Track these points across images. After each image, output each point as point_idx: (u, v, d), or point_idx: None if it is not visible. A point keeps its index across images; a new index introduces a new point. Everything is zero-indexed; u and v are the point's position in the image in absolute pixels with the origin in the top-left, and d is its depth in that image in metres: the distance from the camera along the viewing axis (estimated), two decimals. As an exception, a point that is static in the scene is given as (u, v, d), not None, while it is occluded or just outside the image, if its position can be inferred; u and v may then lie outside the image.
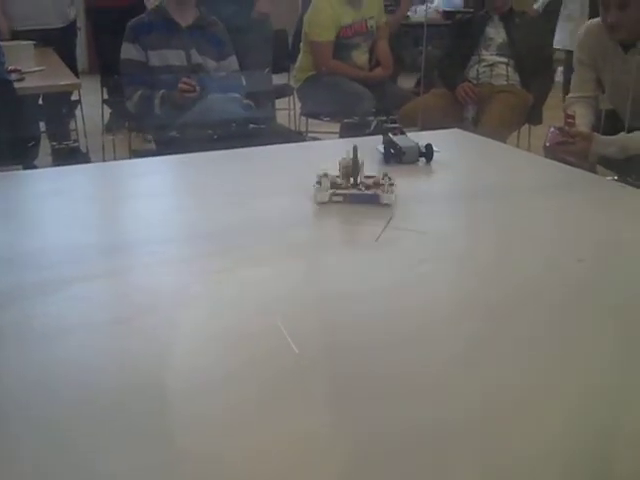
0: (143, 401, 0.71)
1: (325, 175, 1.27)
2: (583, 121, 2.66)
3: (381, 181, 1.28)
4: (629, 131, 2.55)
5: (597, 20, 2.67)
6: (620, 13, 2.48)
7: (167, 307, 0.91)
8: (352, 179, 1.27)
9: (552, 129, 2.55)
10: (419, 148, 1.51)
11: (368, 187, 1.27)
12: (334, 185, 1.27)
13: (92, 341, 0.82)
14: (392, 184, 1.28)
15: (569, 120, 2.55)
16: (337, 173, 1.28)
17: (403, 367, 0.78)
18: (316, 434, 0.67)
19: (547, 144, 2.53)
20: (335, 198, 1.26)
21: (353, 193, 1.26)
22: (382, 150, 1.51)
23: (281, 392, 0.73)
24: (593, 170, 2.52)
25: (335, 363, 0.79)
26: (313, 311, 0.92)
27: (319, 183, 1.26)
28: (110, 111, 4.36)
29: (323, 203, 1.25)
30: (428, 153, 1.51)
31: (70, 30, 4.39)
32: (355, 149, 1.26)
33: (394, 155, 1.49)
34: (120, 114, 3.84)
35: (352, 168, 1.27)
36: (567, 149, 2.47)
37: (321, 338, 0.85)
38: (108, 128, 4.24)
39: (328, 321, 0.89)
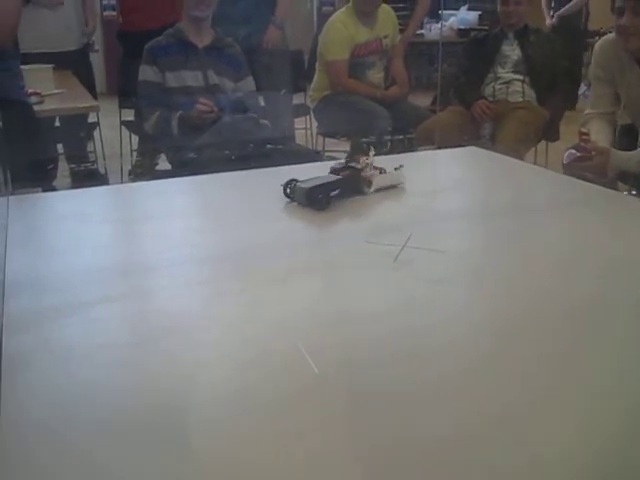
0: (163, 422, 0.71)
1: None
2: (600, 137, 2.64)
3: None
4: None
5: (612, 35, 2.65)
6: (635, 18, 2.44)
7: (186, 329, 0.91)
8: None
9: (569, 149, 2.55)
10: (308, 193, 1.36)
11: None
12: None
13: (112, 363, 0.83)
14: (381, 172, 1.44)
15: (584, 137, 2.55)
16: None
17: (420, 384, 0.77)
18: (334, 451, 0.67)
19: (564, 162, 2.53)
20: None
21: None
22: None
23: (301, 410, 0.73)
24: (614, 186, 2.52)
25: (353, 380, 0.79)
26: (331, 330, 0.92)
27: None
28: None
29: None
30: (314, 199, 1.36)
31: (83, 53, 4.42)
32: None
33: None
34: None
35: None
36: (585, 165, 2.46)
37: (339, 356, 0.85)
38: (140, 153, 4.21)
39: (346, 340, 0.89)
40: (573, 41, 4.74)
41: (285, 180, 1.40)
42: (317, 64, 4.14)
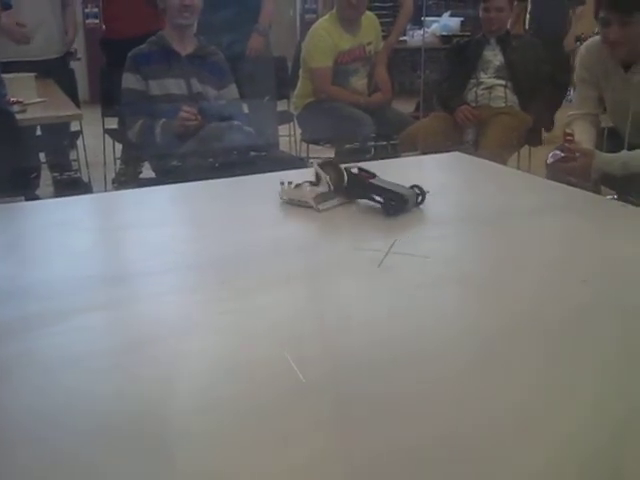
0: (146, 430, 0.71)
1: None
2: (584, 137, 2.66)
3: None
4: (630, 149, 2.56)
5: (598, 38, 2.67)
6: (621, 30, 2.47)
7: (170, 336, 0.91)
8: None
9: (554, 150, 2.57)
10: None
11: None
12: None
13: (96, 371, 0.82)
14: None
15: (568, 138, 2.56)
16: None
17: (406, 389, 0.78)
18: (320, 458, 0.67)
19: (548, 162, 2.55)
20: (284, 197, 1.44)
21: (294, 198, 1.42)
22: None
23: (287, 417, 0.73)
24: (597, 189, 2.53)
25: (339, 387, 0.79)
26: (317, 338, 0.92)
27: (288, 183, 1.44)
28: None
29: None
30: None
31: (64, 61, 4.40)
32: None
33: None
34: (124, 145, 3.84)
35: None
36: (569, 166, 2.47)
37: (325, 363, 0.85)
38: (123, 161, 4.19)
39: (332, 347, 0.89)
40: (557, 46, 4.76)
41: (270, 186, 1.40)
42: (300, 71, 4.15)
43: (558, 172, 2.48)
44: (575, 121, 2.78)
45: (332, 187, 1.40)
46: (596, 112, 2.81)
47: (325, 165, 1.44)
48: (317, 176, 1.43)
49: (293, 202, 1.42)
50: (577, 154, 2.48)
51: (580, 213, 1.40)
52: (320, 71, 4.01)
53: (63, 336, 0.90)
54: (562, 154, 2.50)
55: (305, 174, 1.47)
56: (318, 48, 4.02)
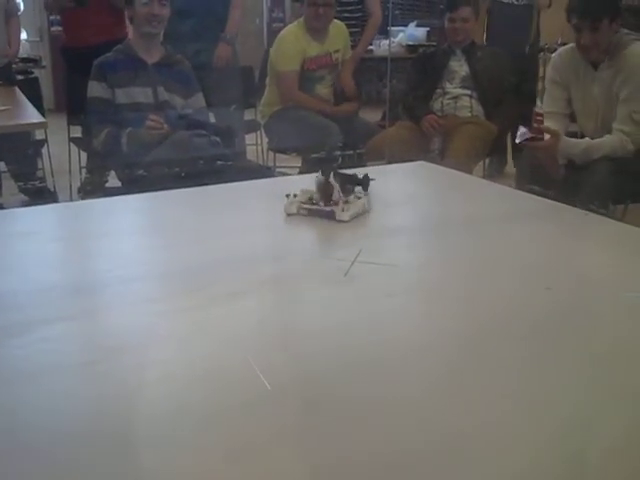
0: (111, 446, 0.70)
1: (303, 191, 1.41)
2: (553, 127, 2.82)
3: (340, 199, 1.40)
4: None
5: (569, 46, 2.94)
6: (592, 35, 2.72)
7: (135, 348, 0.90)
8: (321, 195, 1.40)
9: (522, 128, 2.67)
10: None
11: (330, 204, 1.39)
12: (308, 201, 1.41)
13: (60, 385, 0.81)
14: (346, 202, 1.40)
15: (538, 118, 2.67)
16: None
17: (372, 396, 0.78)
18: (286, 464, 0.67)
19: (517, 141, 2.68)
20: (302, 211, 1.40)
21: (315, 208, 1.39)
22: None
23: (252, 424, 0.73)
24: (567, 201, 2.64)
25: (305, 394, 0.79)
26: (281, 346, 0.92)
27: (293, 196, 1.41)
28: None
29: (291, 215, 1.40)
30: None
31: (8, 71, 4.36)
32: (326, 171, 1.39)
33: None
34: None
35: (322, 188, 1.40)
36: (536, 144, 2.65)
37: (291, 370, 0.85)
38: (89, 170, 4.14)
39: (296, 356, 0.89)
40: (523, 57, 4.80)
41: (237, 195, 1.40)
42: (267, 79, 4.15)
43: (527, 150, 2.74)
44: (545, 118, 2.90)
45: (342, 195, 1.41)
46: (564, 112, 2.98)
47: (332, 175, 1.43)
48: (324, 186, 1.40)
49: (313, 213, 1.40)
50: (545, 136, 2.62)
51: (544, 221, 1.42)
52: (287, 75, 4.02)
53: (26, 348, 0.89)
54: (529, 134, 2.65)
55: (271, 184, 1.47)
56: (286, 52, 4.04)
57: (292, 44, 4.03)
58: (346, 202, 1.40)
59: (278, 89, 4.07)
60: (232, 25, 4.03)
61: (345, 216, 1.37)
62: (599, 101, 2.85)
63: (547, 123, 2.90)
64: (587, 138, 2.79)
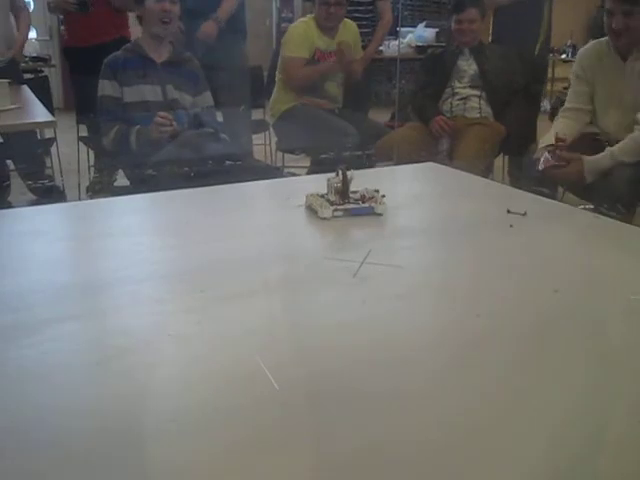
0: (120, 444, 0.70)
1: (318, 195, 1.42)
2: (570, 131, 2.89)
3: (370, 194, 1.42)
4: None
5: (597, 40, 2.95)
6: (625, 19, 2.71)
7: (144, 348, 0.90)
8: (340, 196, 1.40)
9: (545, 154, 2.70)
10: None
11: (362, 201, 1.41)
12: (331, 203, 1.40)
13: (68, 384, 0.81)
14: (383, 196, 1.43)
15: (560, 143, 2.69)
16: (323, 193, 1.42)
17: (380, 395, 0.78)
18: (293, 463, 0.67)
19: (539, 168, 2.70)
20: (336, 213, 1.39)
21: (352, 207, 1.40)
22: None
23: (260, 423, 0.73)
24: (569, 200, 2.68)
25: (312, 394, 0.79)
26: (291, 345, 0.92)
27: (326, 199, 1.41)
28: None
29: (326, 219, 1.38)
30: None
31: (13, 67, 4.37)
32: (344, 169, 1.39)
33: None
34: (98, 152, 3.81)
35: (342, 186, 1.40)
36: (562, 172, 2.70)
37: (299, 370, 0.85)
38: (98, 169, 4.15)
39: (305, 356, 0.89)
40: (532, 56, 4.79)
41: (245, 195, 1.40)
42: (276, 76, 4.16)
43: (552, 177, 2.75)
44: (564, 114, 3.04)
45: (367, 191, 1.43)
46: (586, 108, 3.00)
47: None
48: (342, 185, 1.41)
49: (349, 213, 1.40)
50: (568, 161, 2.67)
51: (553, 223, 1.42)
52: (294, 60, 4.04)
53: (35, 348, 0.89)
54: (553, 160, 2.70)
55: (280, 183, 1.47)
56: (296, 39, 4.07)
57: (303, 32, 4.06)
58: (371, 198, 1.42)
59: (284, 75, 4.08)
60: (224, 9, 4.04)
61: (381, 209, 1.40)
62: (626, 94, 2.84)
63: (568, 119, 2.93)
64: (607, 147, 2.76)
